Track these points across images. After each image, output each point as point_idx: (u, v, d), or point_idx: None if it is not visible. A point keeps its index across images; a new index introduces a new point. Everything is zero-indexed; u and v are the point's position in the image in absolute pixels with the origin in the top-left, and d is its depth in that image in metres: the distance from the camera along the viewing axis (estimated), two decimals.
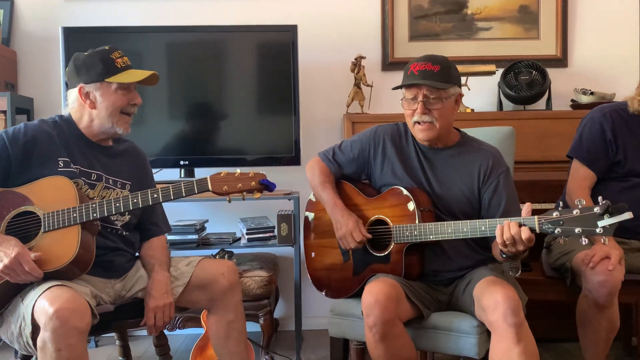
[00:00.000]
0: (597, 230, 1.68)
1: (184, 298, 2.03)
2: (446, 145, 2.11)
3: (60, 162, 1.94)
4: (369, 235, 2.06)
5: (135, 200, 1.90)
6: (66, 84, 2.05)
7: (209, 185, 1.89)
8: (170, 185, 1.91)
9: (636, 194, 2.29)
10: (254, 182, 1.89)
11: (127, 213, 2.03)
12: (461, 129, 2.19)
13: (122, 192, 2.05)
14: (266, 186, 1.90)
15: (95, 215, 1.87)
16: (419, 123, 2.03)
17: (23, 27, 3.36)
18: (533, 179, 2.80)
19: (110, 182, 2.04)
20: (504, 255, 1.85)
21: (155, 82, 2.06)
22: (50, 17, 3.32)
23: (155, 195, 1.90)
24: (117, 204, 1.89)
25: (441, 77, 1.99)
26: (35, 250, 1.82)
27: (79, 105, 2.01)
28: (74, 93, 2.01)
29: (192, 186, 1.89)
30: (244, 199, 1.95)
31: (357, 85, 3.18)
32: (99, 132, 2.03)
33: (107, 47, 2.01)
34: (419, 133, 2.05)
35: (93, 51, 2.00)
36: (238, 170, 1.92)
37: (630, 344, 2.84)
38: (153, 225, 2.18)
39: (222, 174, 1.90)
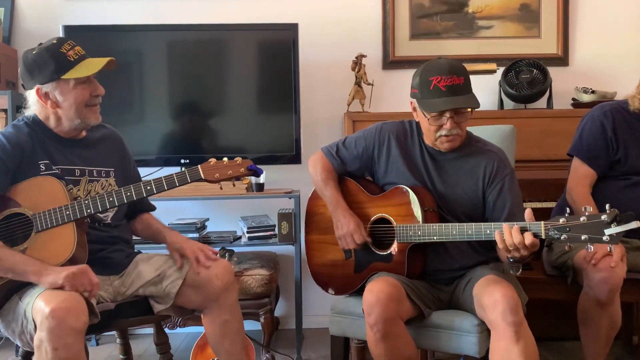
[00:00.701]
0: (604, 238, 1.67)
1: (180, 297, 2.02)
2: None
3: (41, 166, 1.92)
4: (369, 239, 2.07)
5: (128, 194, 1.90)
6: (22, 86, 1.96)
7: (201, 173, 1.91)
8: (162, 177, 1.91)
9: (637, 192, 2.28)
10: (242, 169, 1.94)
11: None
12: (467, 129, 2.18)
13: (107, 180, 2.04)
14: (254, 171, 1.95)
15: (89, 211, 1.86)
16: (445, 136, 2.00)
17: (24, 26, 3.36)
18: (534, 178, 2.80)
19: (94, 174, 2.02)
20: (511, 260, 1.84)
21: (114, 66, 1.97)
22: (50, 16, 3.31)
23: (149, 187, 1.90)
24: (111, 198, 1.88)
25: (467, 88, 1.97)
26: (30, 251, 1.82)
27: (40, 106, 1.94)
28: (32, 95, 1.93)
29: (185, 175, 1.91)
30: (234, 185, 2.00)
31: (357, 83, 3.17)
32: (70, 130, 1.98)
33: (55, 41, 1.91)
34: (445, 144, 2.02)
35: (41, 48, 1.90)
36: (225, 158, 1.95)
37: (631, 343, 2.84)
38: (145, 205, 2.22)
39: (211, 162, 1.93)
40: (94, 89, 1.96)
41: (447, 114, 1.96)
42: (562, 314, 2.77)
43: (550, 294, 2.42)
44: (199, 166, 1.92)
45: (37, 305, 1.70)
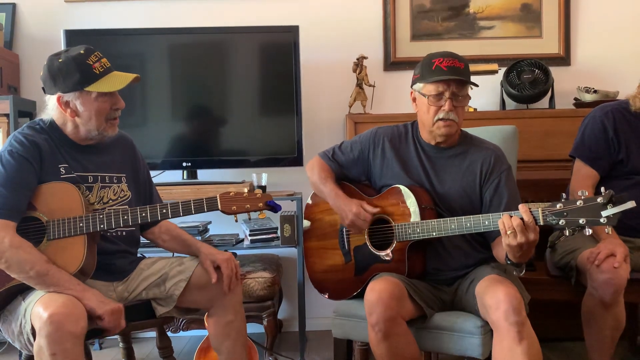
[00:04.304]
0: (601, 220, 1.67)
1: (184, 298, 2.03)
2: (449, 144, 2.12)
3: (61, 169, 1.93)
4: (376, 210, 2.05)
5: (144, 214, 1.92)
6: (43, 89, 1.96)
7: (219, 204, 1.93)
8: (179, 202, 1.93)
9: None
10: (261, 203, 1.95)
11: (128, 207, 2.02)
12: (463, 128, 2.19)
13: (119, 186, 2.04)
14: (272, 207, 1.96)
15: (102, 226, 1.88)
16: (442, 120, 2.02)
17: (25, 31, 3.36)
18: (536, 178, 2.79)
19: (107, 180, 2.02)
20: (509, 262, 1.84)
21: (137, 82, 1.98)
22: (52, 20, 3.32)
23: (164, 211, 1.93)
24: (125, 217, 1.90)
25: (467, 74, 2.01)
26: None
27: (59, 113, 1.94)
28: (52, 101, 1.93)
29: (202, 204, 1.93)
30: (250, 219, 2.04)
31: (359, 85, 3.17)
32: (86, 138, 1.98)
33: (82, 51, 1.91)
34: (442, 129, 2.03)
35: (68, 57, 1.89)
36: (245, 189, 1.95)
37: (635, 343, 2.83)
38: None
39: (231, 194, 1.94)
40: (115, 102, 1.96)
41: (447, 94, 1.99)
42: (566, 314, 2.75)
43: (553, 294, 2.42)
44: (217, 196, 1.93)
45: (35, 311, 1.71)
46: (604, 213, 1.67)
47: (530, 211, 1.74)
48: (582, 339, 2.25)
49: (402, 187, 2.05)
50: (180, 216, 1.94)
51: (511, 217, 1.74)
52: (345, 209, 2.07)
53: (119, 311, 1.80)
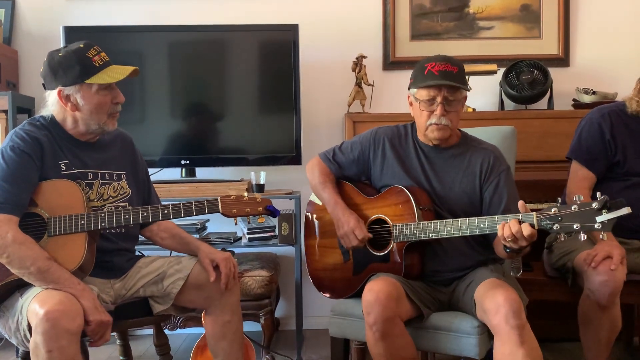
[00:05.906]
0: (596, 225, 1.68)
1: (181, 297, 2.03)
2: (448, 145, 2.12)
3: (62, 166, 1.93)
4: (370, 235, 2.07)
5: (145, 214, 1.93)
6: (43, 85, 1.96)
7: (220, 207, 1.96)
8: (181, 203, 1.96)
9: (636, 193, 2.27)
10: (260, 208, 1.98)
11: (128, 204, 2.03)
12: (462, 129, 2.20)
13: (119, 183, 2.04)
14: (271, 212, 1.99)
15: (103, 224, 1.88)
16: (434, 124, 2.02)
17: (24, 27, 3.36)
18: (535, 179, 2.79)
19: (107, 177, 2.02)
20: (508, 250, 1.85)
21: (136, 75, 1.98)
22: (51, 17, 3.32)
23: (165, 212, 1.95)
24: (127, 216, 1.91)
25: (460, 78, 2.01)
26: None
27: (59, 107, 1.94)
28: (53, 96, 1.93)
29: (203, 206, 1.95)
30: (249, 222, 2.02)
31: (358, 84, 3.17)
32: (85, 133, 1.98)
33: (81, 45, 1.91)
34: (434, 132, 2.04)
35: (68, 51, 1.90)
36: (245, 193, 1.98)
37: (631, 344, 2.84)
38: None
39: (232, 197, 1.97)
40: (115, 96, 1.96)
41: (438, 99, 1.99)
42: (563, 315, 2.76)
43: (550, 295, 2.42)
44: (218, 199, 1.96)
45: (32, 308, 1.71)
46: (599, 219, 1.67)
47: (524, 221, 1.75)
48: (578, 339, 2.25)
49: (401, 187, 2.05)
50: (181, 217, 1.96)
51: (506, 222, 1.76)
52: (343, 219, 2.08)
53: (107, 324, 1.80)
